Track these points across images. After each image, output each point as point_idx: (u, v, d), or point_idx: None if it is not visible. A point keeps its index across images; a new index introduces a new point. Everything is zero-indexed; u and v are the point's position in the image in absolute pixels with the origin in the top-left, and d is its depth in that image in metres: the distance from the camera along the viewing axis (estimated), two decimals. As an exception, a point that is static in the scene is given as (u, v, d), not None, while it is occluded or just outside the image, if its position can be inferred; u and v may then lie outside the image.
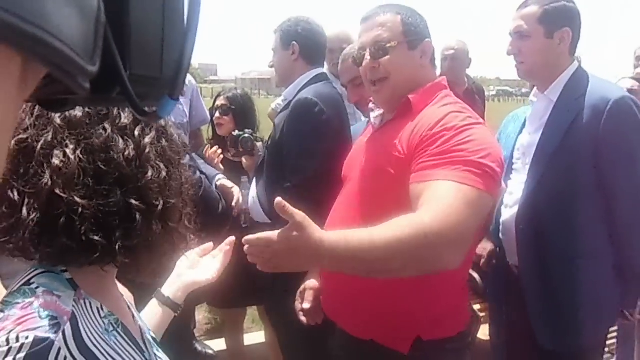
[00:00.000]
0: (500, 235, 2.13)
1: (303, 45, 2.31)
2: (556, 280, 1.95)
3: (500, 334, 2.32)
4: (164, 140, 0.82)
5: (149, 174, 0.76)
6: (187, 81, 3.64)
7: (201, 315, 4.11)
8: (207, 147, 3.12)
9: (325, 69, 2.50)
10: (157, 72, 0.37)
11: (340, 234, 1.23)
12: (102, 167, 0.74)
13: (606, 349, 2.36)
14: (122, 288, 0.94)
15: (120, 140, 0.76)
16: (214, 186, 2.47)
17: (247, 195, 2.52)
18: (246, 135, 2.66)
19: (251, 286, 2.67)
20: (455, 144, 1.39)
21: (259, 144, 2.70)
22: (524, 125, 2.18)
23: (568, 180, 1.91)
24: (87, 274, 0.78)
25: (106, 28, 0.31)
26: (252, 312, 3.27)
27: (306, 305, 1.84)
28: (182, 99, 3.47)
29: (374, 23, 1.61)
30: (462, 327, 1.64)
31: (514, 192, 2.06)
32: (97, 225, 0.73)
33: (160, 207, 0.77)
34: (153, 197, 0.76)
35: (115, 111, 0.77)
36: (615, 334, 2.85)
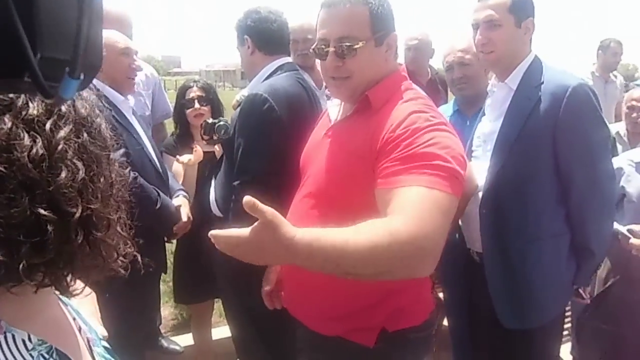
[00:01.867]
0: (460, 222, 2.18)
1: (255, 37, 2.24)
2: (517, 261, 2.02)
3: (461, 318, 2.38)
4: (84, 134, 0.69)
5: (63, 175, 0.64)
6: (149, 73, 3.57)
7: (167, 311, 4.05)
8: (172, 141, 3.08)
9: (290, 58, 2.43)
10: (68, 54, 0.35)
11: (313, 233, 1.17)
12: (2, 169, 0.60)
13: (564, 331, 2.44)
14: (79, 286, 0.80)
15: (26, 136, 0.63)
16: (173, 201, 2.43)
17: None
18: (222, 122, 2.65)
19: (215, 278, 2.64)
20: (419, 147, 1.34)
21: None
22: (482, 113, 2.22)
23: (529, 165, 1.97)
24: (7, 298, 0.65)
25: (10, 6, 0.29)
26: (219, 305, 3.24)
27: (267, 287, 1.84)
28: (143, 92, 3.40)
29: (340, 13, 1.50)
30: (425, 316, 1.65)
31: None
32: None
33: (78, 215, 0.65)
34: (69, 204, 0.64)
35: (22, 101, 0.64)
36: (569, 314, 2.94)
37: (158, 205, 2.26)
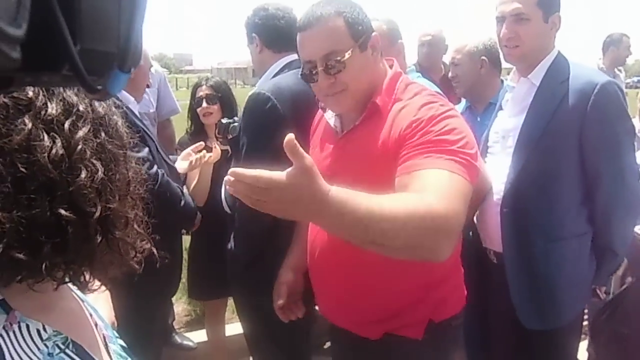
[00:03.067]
0: (475, 220, 2.15)
1: (263, 35, 2.20)
2: (540, 261, 1.98)
3: (474, 317, 2.35)
4: (102, 133, 0.69)
5: (83, 176, 0.64)
6: (153, 70, 3.57)
7: (180, 307, 4.07)
8: (187, 139, 3.09)
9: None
10: (113, 47, 0.34)
11: (349, 193, 1.09)
12: (23, 170, 0.60)
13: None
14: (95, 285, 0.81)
15: (46, 137, 0.63)
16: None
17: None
18: (236, 123, 2.64)
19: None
20: (434, 134, 1.35)
21: None
22: (499, 108, 2.19)
23: (554, 163, 1.93)
24: (22, 291, 0.66)
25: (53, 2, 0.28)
26: (233, 302, 3.25)
27: (280, 302, 1.82)
28: (148, 89, 3.41)
29: (319, 33, 1.48)
30: (463, 302, 1.68)
31: (493, 177, 2.06)
32: (20, 240, 0.61)
33: (98, 215, 0.65)
34: (88, 204, 0.64)
35: (40, 101, 0.64)
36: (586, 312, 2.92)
37: (182, 203, 2.27)
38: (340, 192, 1.08)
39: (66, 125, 0.65)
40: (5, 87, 0.33)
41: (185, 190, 2.42)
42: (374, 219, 1.09)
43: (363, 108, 1.55)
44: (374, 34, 1.56)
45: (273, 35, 2.20)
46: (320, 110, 1.79)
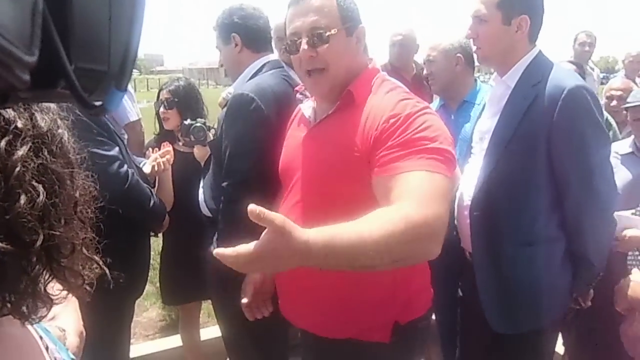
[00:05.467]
0: (455, 220, 2.14)
1: (243, 34, 2.20)
2: (509, 266, 1.96)
3: (450, 316, 2.37)
4: (45, 152, 0.61)
5: (22, 202, 0.57)
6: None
7: (155, 312, 4.03)
8: (153, 142, 3.05)
9: (275, 55, 2.42)
10: (104, 65, 0.35)
11: (325, 233, 1.13)
12: None
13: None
14: (61, 294, 0.73)
15: None
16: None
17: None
18: (198, 124, 2.64)
19: (203, 278, 2.63)
20: (413, 132, 1.38)
21: (211, 132, 2.66)
22: (483, 109, 2.18)
23: (522, 167, 1.91)
24: None
25: (47, 18, 0.29)
26: (208, 305, 3.23)
27: (244, 300, 1.82)
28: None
29: (309, 7, 1.53)
30: (429, 304, 1.68)
31: (470, 178, 2.05)
32: None
33: (40, 244, 0.58)
34: (28, 233, 0.57)
35: None
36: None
37: (152, 203, 2.27)
38: (318, 237, 1.11)
39: (2, 145, 0.57)
40: (1, 103, 0.33)
41: (154, 191, 2.42)
42: (358, 251, 1.14)
43: (338, 97, 1.57)
44: (361, 25, 1.60)
45: (253, 34, 2.21)
46: (298, 107, 1.80)
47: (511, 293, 1.98)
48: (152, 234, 2.56)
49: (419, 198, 1.24)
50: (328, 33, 1.51)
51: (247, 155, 1.95)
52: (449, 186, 1.33)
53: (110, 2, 0.34)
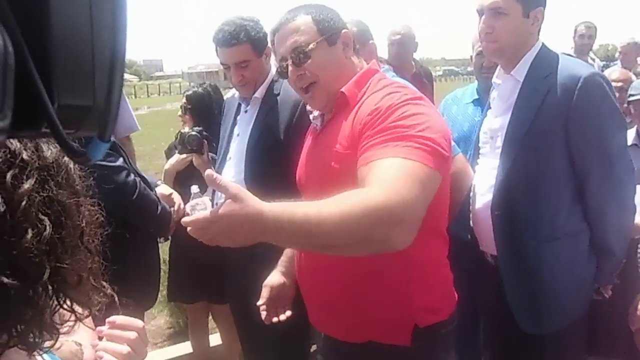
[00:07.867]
0: (472, 223, 2.08)
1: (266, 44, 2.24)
2: (534, 263, 1.92)
3: (469, 320, 2.30)
4: (51, 184, 0.60)
5: (28, 236, 0.55)
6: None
7: (163, 319, 4.02)
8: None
9: None
10: (89, 99, 0.33)
11: (285, 205, 1.16)
12: None
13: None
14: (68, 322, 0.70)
15: None
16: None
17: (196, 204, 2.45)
18: (193, 133, 2.67)
19: (213, 281, 2.72)
20: (392, 121, 1.37)
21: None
22: (488, 107, 2.13)
23: (541, 162, 1.87)
24: None
25: (26, 55, 0.28)
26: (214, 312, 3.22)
27: (259, 302, 1.82)
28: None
29: (287, 31, 1.57)
30: (452, 309, 1.64)
31: (484, 179, 2.01)
32: None
33: (46, 277, 0.57)
34: (35, 267, 0.56)
35: None
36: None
37: (160, 208, 2.29)
38: (275, 206, 1.14)
39: (8, 177, 0.56)
40: None
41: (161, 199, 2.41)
42: (312, 223, 1.15)
43: (336, 102, 1.59)
44: (344, 30, 1.60)
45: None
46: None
47: (538, 291, 1.93)
48: (160, 239, 2.57)
49: (385, 183, 1.23)
50: (308, 48, 1.54)
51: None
52: (425, 174, 1.28)
53: (92, 28, 0.33)
